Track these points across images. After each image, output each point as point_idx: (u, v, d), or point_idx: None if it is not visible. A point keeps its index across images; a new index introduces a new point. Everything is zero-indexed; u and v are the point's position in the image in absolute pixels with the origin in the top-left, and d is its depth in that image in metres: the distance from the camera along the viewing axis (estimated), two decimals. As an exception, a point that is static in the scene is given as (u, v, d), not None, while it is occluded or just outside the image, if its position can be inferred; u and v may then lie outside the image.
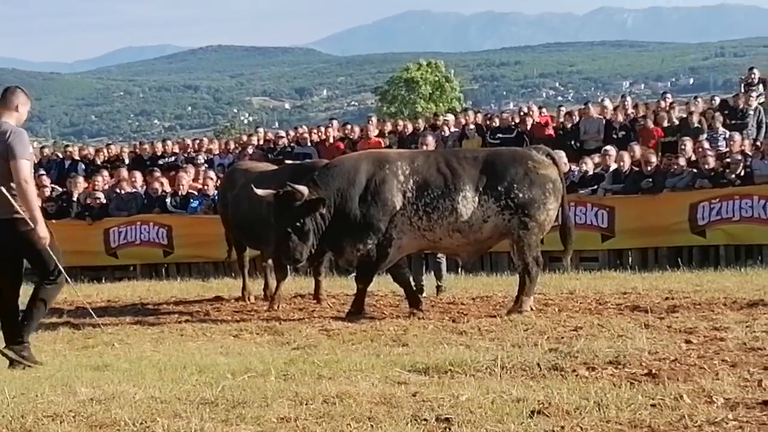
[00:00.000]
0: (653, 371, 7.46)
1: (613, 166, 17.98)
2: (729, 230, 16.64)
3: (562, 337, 9.74)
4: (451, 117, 25.06)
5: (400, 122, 26.05)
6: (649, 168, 17.42)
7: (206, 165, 22.57)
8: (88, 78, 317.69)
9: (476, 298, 13.66)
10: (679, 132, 20.17)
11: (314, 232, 11.92)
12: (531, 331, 10.33)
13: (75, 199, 20.82)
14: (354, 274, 12.89)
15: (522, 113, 23.28)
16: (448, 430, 5.83)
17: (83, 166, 24.24)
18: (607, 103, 23.51)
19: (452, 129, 23.08)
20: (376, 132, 23.26)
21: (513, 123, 22.62)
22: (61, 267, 9.35)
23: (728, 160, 17.26)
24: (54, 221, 17.54)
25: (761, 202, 16.29)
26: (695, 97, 24.15)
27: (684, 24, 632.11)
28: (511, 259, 13.28)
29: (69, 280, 10.37)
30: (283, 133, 25.37)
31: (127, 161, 24.42)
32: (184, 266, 20.05)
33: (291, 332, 11.18)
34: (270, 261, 14.45)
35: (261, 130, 27.26)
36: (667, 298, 12.60)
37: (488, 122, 23.15)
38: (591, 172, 18.17)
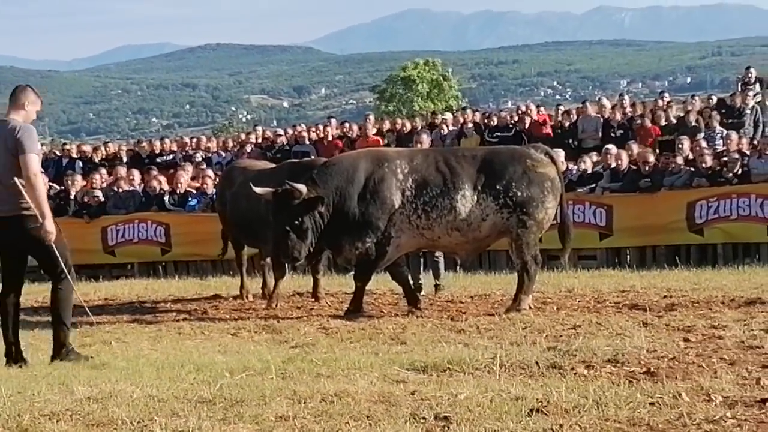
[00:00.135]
0: (652, 369, 7.46)
1: (612, 165, 17.97)
2: (727, 229, 16.64)
3: (561, 336, 9.74)
4: (449, 116, 25.06)
5: (398, 121, 26.06)
6: (647, 167, 17.41)
7: (205, 164, 22.54)
8: (86, 76, 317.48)
9: (475, 297, 13.65)
10: (676, 131, 20.21)
11: (313, 230, 11.91)
12: (529, 329, 10.34)
13: (72, 197, 20.80)
14: (352, 273, 12.89)
15: (520, 112, 23.29)
16: (446, 428, 5.83)
17: (81, 164, 24.19)
18: (605, 101, 23.53)
19: (450, 127, 23.09)
20: (374, 130, 23.25)
21: (511, 122, 22.63)
22: (68, 264, 9.38)
23: (725, 158, 17.27)
24: (52, 219, 17.51)
25: (759, 200, 16.28)
26: (692, 96, 24.13)
27: (681, 23, 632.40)
28: (510, 257, 13.29)
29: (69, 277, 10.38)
30: (281, 132, 25.37)
31: (125, 159, 24.40)
32: (182, 264, 20.03)
33: (289, 331, 11.18)
34: (268, 259, 14.44)
35: (259, 128, 27.21)
36: (665, 297, 12.60)
37: (486, 121, 23.15)
38: (589, 171, 18.17)
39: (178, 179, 20.45)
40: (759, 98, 22.17)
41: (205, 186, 19.77)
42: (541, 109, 24.91)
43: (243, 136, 26.32)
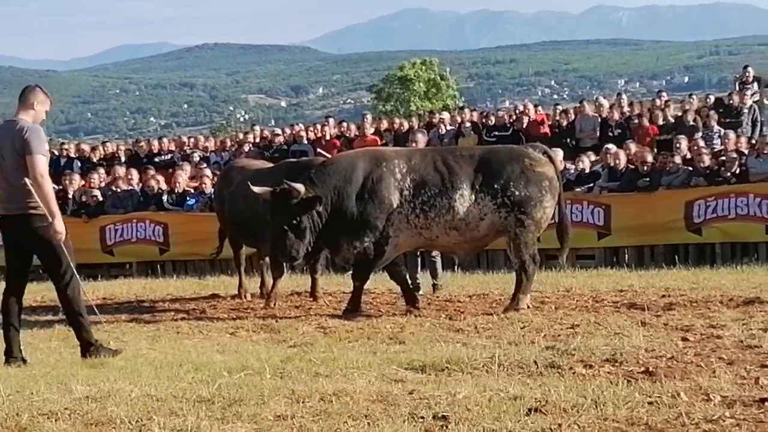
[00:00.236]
0: (650, 369, 7.46)
1: (611, 164, 17.98)
2: (725, 228, 16.65)
3: (559, 335, 9.75)
4: (446, 115, 25.06)
5: (396, 120, 26.05)
6: (645, 166, 17.41)
7: (205, 164, 22.53)
8: (84, 76, 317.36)
9: (473, 296, 13.65)
10: (674, 130, 20.22)
11: (311, 229, 11.91)
12: (528, 328, 10.35)
13: (71, 196, 20.80)
14: (351, 272, 12.89)
15: (518, 111, 23.29)
16: (445, 427, 5.83)
17: (79, 164, 24.20)
18: (603, 101, 23.54)
19: (448, 127, 23.09)
20: (372, 130, 23.25)
21: (509, 121, 22.64)
22: (73, 264, 9.40)
23: (723, 158, 17.27)
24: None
25: (757, 200, 16.29)
26: (690, 95, 24.11)
27: (679, 22, 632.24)
28: (508, 256, 13.29)
29: (77, 276, 10.42)
30: (279, 131, 25.36)
31: (123, 159, 24.39)
32: (181, 264, 20.05)
33: (287, 330, 11.19)
34: (266, 259, 14.44)
35: (257, 127, 27.21)
36: (663, 296, 12.60)
37: (484, 120, 23.14)
38: (587, 170, 18.18)
39: (177, 179, 20.45)
40: (757, 97, 22.20)
41: (203, 185, 19.77)
42: (539, 108, 24.93)
43: (241, 136, 26.30)
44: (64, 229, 9.14)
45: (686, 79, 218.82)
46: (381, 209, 11.92)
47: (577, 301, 12.64)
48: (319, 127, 24.80)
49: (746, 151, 17.65)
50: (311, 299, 14.17)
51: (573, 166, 18.22)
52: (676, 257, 16.59)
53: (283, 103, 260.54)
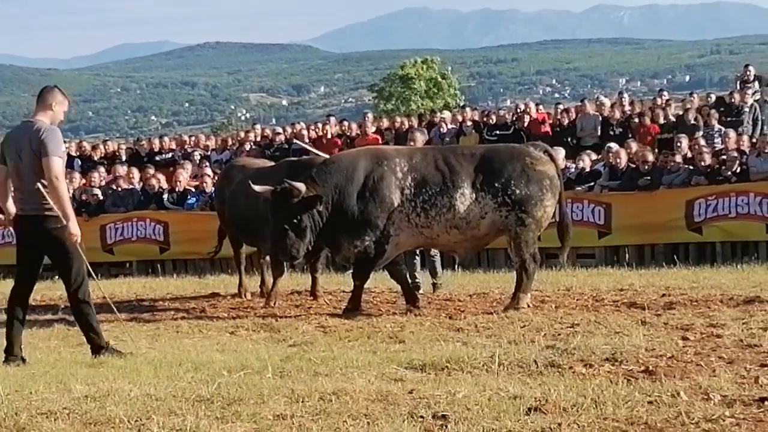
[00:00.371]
0: (650, 368, 7.46)
1: (613, 163, 17.98)
2: (725, 227, 16.64)
3: (559, 334, 9.74)
4: (447, 114, 25.07)
5: (397, 119, 26.06)
6: (646, 165, 17.40)
7: (206, 162, 22.53)
8: (85, 74, 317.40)
9: (473, 295, 13.65)
10: (675, 129, 20.22)
11: (311, 228, 11.90)
12: (528, 328, 10.34)
13: (71, 195, 20.76)
14: (351, 271, 12.89)
15: (519, 110, 23.28)
16: (444, 427, 5.82)
17: (80, 162, 24.18)
18: (604, 100, 23.55)
19: (449, 126, 23.11)
20: (374, 129, 23.26)
21: (510, 120, 22.64)
22: (86, 265, 9.48)
23: (724, 157, 17.26)
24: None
25: (757, 198, 16.29)
26: (691, 94, 24.13)
27: (680, 21, 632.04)
28: (509, 255, 13.28)
29: (93, 275, 10.47)
30: (280, 130, 25.37)
31: (124, 157, 24.40)
32: (181, 263, 20.04)
33: (287, 329, 11.18)
34: (267, 258, 14.43)
35: (258, 126, 27.22)
36: (663, 295, 12.59)
37: (485, 119, 23.15)
38: (588, 169, 18.17)
39: (177, 177, 20.44)
40: (758, 96, 22.20)
41: (204, 184, 19.76)
42: (540, 107, 24.95)
43: (242, 135, 26.30)
44: (78, 232, 9.19)
45: (687, 78, 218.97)
46: (382, 208, 11.91)
47: (577, 300, 12.63)
48: (320, 125, 24.80)
49: (747, 150, 17.64)
50: (311, 298, 14.17)
51: (573, 165, 18.20)
52: (677, 256, 16.58)
53: (284, 102, 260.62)
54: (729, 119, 20.64)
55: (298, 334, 10.76)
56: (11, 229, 9.62)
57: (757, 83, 23.00)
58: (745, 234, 16.59)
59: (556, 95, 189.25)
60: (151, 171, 21.53)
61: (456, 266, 16.60)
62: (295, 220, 11.76)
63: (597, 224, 17.38)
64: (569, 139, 21.11)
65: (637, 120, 21.27)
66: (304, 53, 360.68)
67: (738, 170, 16.80)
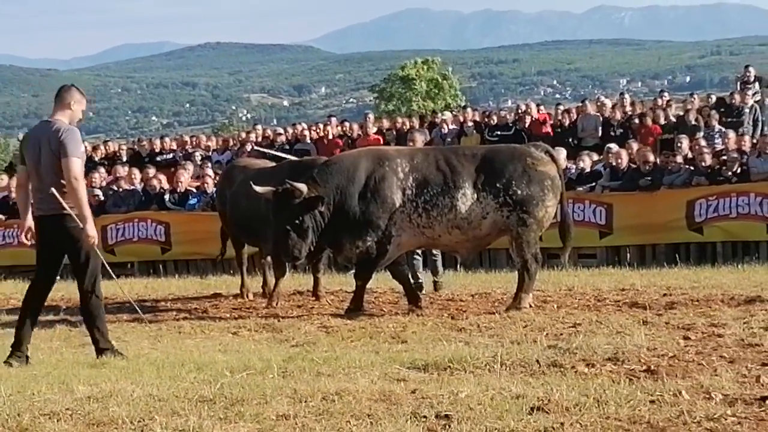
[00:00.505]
0: (652, 367, 7.47)
1: (614, 163, 17.99)
2: (726, 227, 16.66)
3: (561, 334, 9.74)
4: (448, 114, 25.09)
5: (398, 119, 26.07)
6: (647, 166, 17.41)
7: (209, 163, 22.55)
8: (85, 75, 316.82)
9: (475, 295, 13.65)
10: (676, 129, 20.23)
11: (313, 229, 11.91)
12: (530, 327, 10.34)
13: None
14: (353, 271, 12.89)
15: (520, 111, 23.29)
16: (447, 426, 5.82)
17: (81, 163, 24.14)
18: (605, 100, 23.57)
19: (451, 126, 23.12)
20: (375, 129, 23.27)
21: (511, 120, 22.65)
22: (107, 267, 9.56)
23: (725, 157, 17.28)
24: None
25: (758, 199, 16.31)
26: (692, 95, 24.15)
27: (681, 22, 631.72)
28: (510, 256, 13.29)
29: (114, 275, 10.50)
30: (281, 130, 25.38)
31: (124, 158, 24.41)
32: (182, 263, 20.06)
33: (290, 329, 11.18)
34: (269, 258, 14.43)
35: (259, 127, 27.22)
36: (665, 295, 12.60)
37: (486, 120, 23.16)
38: (588, 169, 18.18)
39: (179, 178, 20.44)
40: (758, 97, 22.19)
41: (205, 185, 19.77)
42: (541, 107, 24.94)
43: (243, 135, 26.31)
44: (95, 233, 9.22)
45: (688, 78, 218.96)
46: (383, 208, 11.92)
47: (579, 300, 12.64)
48: (321, 126, 24.81)
49: (747, 151, 17.64)
50: (313, 299, 14.16)
51: (574, 166, 18.21)
52: (678, 256, 16.60)
53: (285, 103, 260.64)
54: (729, 120, 20.66)
55: (300, 335, 10.76)
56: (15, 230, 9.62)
57: (757, 84, 23.00)
58: (745, 234, 16.61)
59: (557, 96, 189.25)
60: (152, 171, 21.52)
61: (458, 266, 16.61)
62: (296, 221, 11.77)
63: (598, 224, 17.40)
64: (570, 140, 21.12)
65: (637, 121, 21.28)
66: (305, 54, 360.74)
67: (738, 171, 16.82)
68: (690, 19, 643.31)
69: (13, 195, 21.43)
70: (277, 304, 13.56)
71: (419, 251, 13.99)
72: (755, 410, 5.98)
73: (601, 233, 17.42)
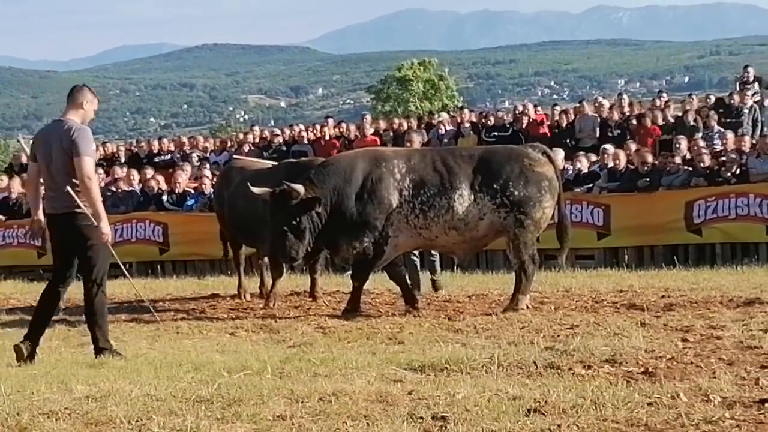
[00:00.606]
0: (650, 370, 7.46)
1: (610, 165, 18.00)
2: (725, 228, 16.64)
3: (559, 336, 9.73)
4: (445, 115, 25.11)
5: (395, 120, 26.08)
6: (645, 167, 17.41)
7: (208, 163, 22.54)
8: (84, 76, 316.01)
9: (472, 296, 13.65)
10: (674, 130, 20.20)
11: (310, 230, 11.91)
12: (527, 329, 10.33)
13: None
14: (350, 272, 12.89)
15: (517, 112, 23.30)
16: (444, 428, 5.82)
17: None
18: (603, 101, 23.56)
19: (448, 127, 23.12)
20: (372, 130, 23.26)
21: (508, 121, 22.65)
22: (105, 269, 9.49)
23: (724, 158, 17.27)
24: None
25: (757, 200, 16.30)
26: (690, 95, 24.13)
27: (679, 22, 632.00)
28: (507, 257, 13.28)
29: (128, 275, 10.51)
30: (278, 132, 25.39)
31: (123, 159, 24.42)
32: (180, 264, 20.06)
33: (287, 330, 11.18)
34: (266, 259, 14.43)
35: (256, 128, 27.24)
36: (663, 297, 12.59)
37: (484, 120, 23.15)
38: (586, 170, 18.18)
39: (176, 179, 20.45)
40: (757, 97, 22.16)
41: (203, 186, 19.77)
42: (539, 108, 24.96)
43: (241, 136, 26.32)
44: (110, 232, 9.27)
45: (686, 79, 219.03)
46: (380, 209, 11.92)
47: (576, 301, 12.63)
48: (318, 127, 24.82)
49: (747, 152, 17.64)
50: (310, 299, 14.17)
51: (571, 167, 18.21)
52: (676, 257, 16.59)
53: (282, 104, 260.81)
54: (728, 120, 20.64)
55: (297, 335, 10.76)
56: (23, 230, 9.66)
57: (756, 84, 22.98)
58: (744, 235, 16.60)
59: (555, 96, 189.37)
60: (150, 172, 21.53)
61: (455, 267, 16.60)
62: (294, 222, 11.77)
63: (596, 225, 17.39)
64: (568, 141, 21.11)
65: (635, 121, 21.28)
66: (302, 55, 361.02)
67: (737, 171, 16.81)
68: (689, 19, 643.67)
69: (13, 196, 21.51)
70: (274, 305, 13.56)
71: (417, 252, 13.98)
72: (754, 413, 5.97)
73: (598, 234, 17.42)
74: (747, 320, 10.07)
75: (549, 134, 21.53)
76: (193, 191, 20.10)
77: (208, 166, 21.97)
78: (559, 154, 16.51)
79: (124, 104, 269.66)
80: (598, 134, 21.18)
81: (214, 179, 18.74)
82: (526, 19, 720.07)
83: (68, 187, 9.10)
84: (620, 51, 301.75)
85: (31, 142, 10.27)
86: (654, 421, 5.80)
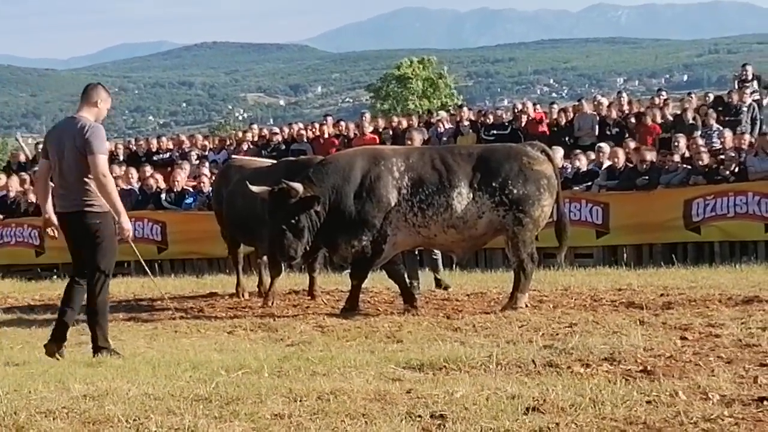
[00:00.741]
0: (648, 368, 7.45)
1: (607, 163, 18.00)
2: (723, 227, 16.64)
3: (557, 334, 9.73)
4: (444, 113, 25.10)
5: (395, 119, 26.08)
6: (644, 165, 17.40)
7: (206, 162, 22.54)
8: (83, 74, 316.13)
9: (471, 295, 13.65)
10: (673, 128, 20.19)
11: (309, 229, 11.90)
12: (526, 327, 10.33)
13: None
14: (348, 271, 12.88)
15: (516, 110, 23.29)
16: (442, 426, 5.81)
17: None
18: (602, 99, 23.56)
19: (447, 125, 23.11)
20: (371, 128, 23.26)
21: (507, 120, 22.64)
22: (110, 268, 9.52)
23: (722, 156, 17.26)
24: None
25: (756, 198, 16.30)
26: (689, 94, 24.12)
27: (678, 21, 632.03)
28: (506, 255, 13.28)
29: (150, 273, 10.52)
30: (277, 130, 25.38)
31: (121, 157, 24.40)
32: (179, 263, 20.06)
33: (285, 329, 11.17)
34: (264, 257, 14.42)
35: (255, 126, 27.24)
36: (662, 295, 12.59)
37: (483, 119, 23.15)
38: (585, 169, 18.18)
39: (175, 177, 20.44)
40: (756, 96, 22.16)
41: (201, 184, 19.76)
42: (538, 106, 24.94)
43: (240, 135, 26.32)
44: (130, 227, 9.39)
45: (685, 77, 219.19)
46: (379, 208, 11.91)
47: (575, 299, 12.63)
48: (317, 125, 24.81)
49: (745, 150, 17.63)
50: (309, 298, 14.17)
51: (570, 165, 18.20)
52: (675, 256, 16.58)
53: (281, 102, 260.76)
54: (727, 119, 20.63)
55: (295, 334, 10.75)
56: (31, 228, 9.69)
57: (755, 82, 22.95)
58: (743, 234, 16.60)
59: (554, 95, 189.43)
60: (149, 171, 21.52)
61: (454, 266, 16.58)
62: (292, 221, 11.77)
63: (595, 224, 17.39)
64: (567, 139, 21.09)
65: (634, 119, 21.27)
66: (301, 53, 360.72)
67: (736, 170, 16.80)
68: (687, 18, 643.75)
69: (11, 194, 21.50)
70: (272, 304, 13.56)
71: (416, 251, 13.98)
72: (752, 411, 5.96)
73: (597, 233, 17.42)
74: (746, 318, 10.07)
75: (548, 132, 21.51)
76: (191, 190, 20.09)
77: (206, 164, 21.99)
78: (558, 152, 16.51)
79: (122, 102, 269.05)
80: (597, 132, 21.16)
81: (213, 178, 18.73)
82: (525, 18, 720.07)
83: (86, 179, 9.13)
84: (619, 49, 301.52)
85: (42, 139, 10.31)
86: (653, 419, 5.79)
